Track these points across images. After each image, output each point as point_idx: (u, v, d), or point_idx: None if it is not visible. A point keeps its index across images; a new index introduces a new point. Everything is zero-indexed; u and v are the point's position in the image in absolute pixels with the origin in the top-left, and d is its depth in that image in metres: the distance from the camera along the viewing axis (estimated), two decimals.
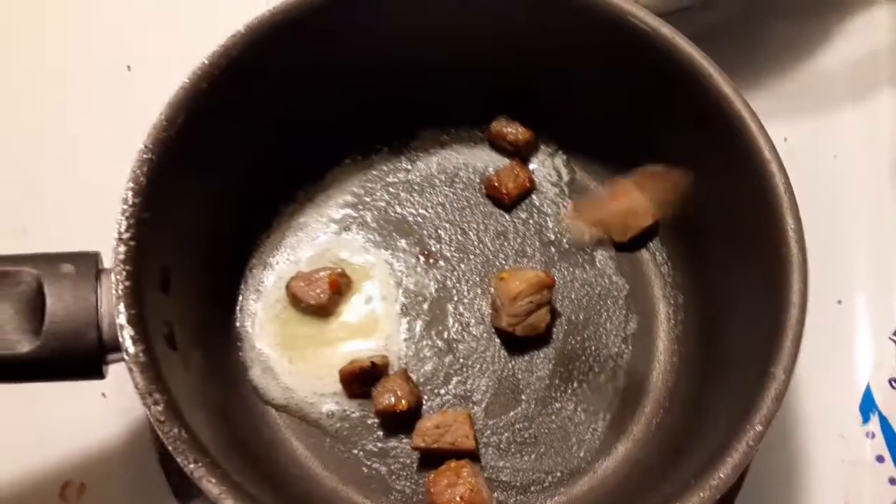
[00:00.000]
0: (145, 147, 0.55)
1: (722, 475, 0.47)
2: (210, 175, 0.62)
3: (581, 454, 0.66)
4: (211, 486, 0.46)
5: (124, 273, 0.51)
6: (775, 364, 0.50)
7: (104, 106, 0.83)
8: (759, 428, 0.49)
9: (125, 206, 0.52)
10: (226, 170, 0.65)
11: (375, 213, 0.75)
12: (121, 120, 0.78)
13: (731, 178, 0.61)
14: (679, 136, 0.67)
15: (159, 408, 0.48)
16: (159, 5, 0.91)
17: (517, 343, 0.69)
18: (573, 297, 0.72)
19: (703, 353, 0.66)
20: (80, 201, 0.77)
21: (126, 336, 0.49)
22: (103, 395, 0.69)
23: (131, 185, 0.53)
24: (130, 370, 0.48)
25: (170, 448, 0.47)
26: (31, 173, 0.80)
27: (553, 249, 0.74)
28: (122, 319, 0.49)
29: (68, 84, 0.86)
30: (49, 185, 0.80)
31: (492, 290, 0.70)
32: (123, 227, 0.52)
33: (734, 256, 0.63)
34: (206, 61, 0.58)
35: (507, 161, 0.77)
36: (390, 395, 0.65)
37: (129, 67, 0.86)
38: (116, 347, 0.51)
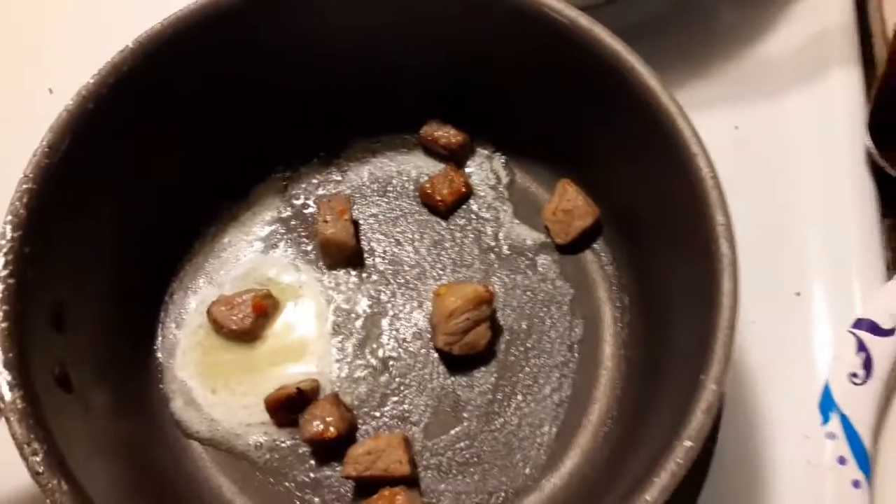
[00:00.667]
0: (25, 176, 0.51)
1: (649, 498, 0.43)
2: (107, 200, 0.58)
3: (527, 471, 0.62)
4: None
5: (1, 314, 0.47)
6: (705, 372, 0.46)
7: (25, 130, 0.79)
8: (687, 444, 0.45)
9: (2, 242, 0.49)
10: (127, 194, 0.61)
11: (304, 228, 0.71)
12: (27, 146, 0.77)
13: (662, 174, 0.57)
14: (610, 133, 0.63)
15: (37, 458, 0.44)
16: (81, 25, 0.87)
17: (457, 358, 0.65)
18: (515, 304, 0.68)
19: (648, 359, 0.62)
20: None
21: (2, 381, 0.45)
22: None
23: (10, 217, 0.50)
24: (7, 419, 0.45)
25: (48, 502, 0.43)
26: None
27: (493, 256, 0.70)
28: None
29: None
30: None
31: (420, 309, 0.66)
32: (0, 264, 0.48)
33: (671, 255, 0.59)
34: (92, 80, 0.54)
35: (441, 167, 0.73)
36: (318, 423, 0.61)
37: (50, 91, 0.82)
38: None
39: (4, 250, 0.48)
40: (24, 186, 0.50)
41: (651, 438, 0.54)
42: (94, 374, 0.56)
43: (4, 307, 0.47)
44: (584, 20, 0.57)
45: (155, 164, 0.63)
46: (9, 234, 0.49)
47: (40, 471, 0.43)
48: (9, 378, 0.45)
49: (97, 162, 0.55)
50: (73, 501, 0.44)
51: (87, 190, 0.55)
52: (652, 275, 0.63)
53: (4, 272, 0.48)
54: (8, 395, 0.45)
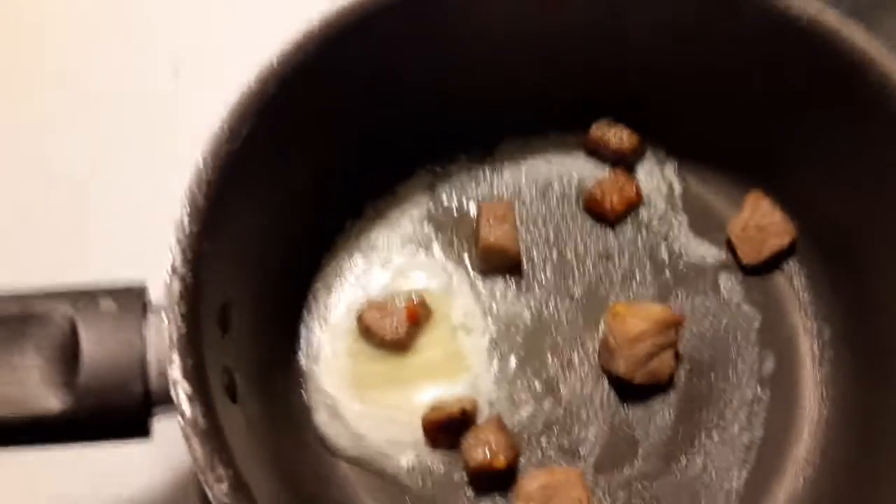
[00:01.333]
0: (205, 162, 0.45)
1: None
2: (274, 193, 0.52)
3: None
4: None
5: (179, 315, 0.41)
6: None
7: (148, 116, 0.73)
8: None
9: (181, 235, 0.43)
10: (291, 185, 0.55)
11: (456, 230, 0.65)
12: (167, 132, 0.71)
13: None
14: (827, 137, 0.55)
15: (223, 486, 0.38)
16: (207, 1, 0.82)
17: (633, 388, 0.58)
18: (695, 330, 0.61)
19: (865, 402, 0.55)
20: (122, 225, 0.67)
21: (181, 394, 0.39)
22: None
23: (188, 208, 0.44)
24: (187, 438, 0.39)
25: None
26: (66, 193, 0.70)
27: (668, 273, 0.63)
28: (176, 373, 0.40)
29: (106, 92, 0.75)
30: (86, 206, 0.69)
31: (602, 326, 0.59)
32: (179, 261, 0.42)
33: None
34: (276, 61, 0.48)
35: (606, 171, 0.66)
36: (485, 449, 0.54)
37: (176, 72, 0.77)
38: (166, 401, 0.41)
39: (183, 244, 0.42)
40: (203, 174, 0.44)
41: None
42: (250, 381, 0.50)
43: (183, 307, 0.41)
44: (830, 15, 0.50)
45: (312, 155, 0.57)
46: (187, 227, 0.43)
47: (228, 502, 0.37)
48: (188, 390, 0.39)
49: (270, 150, 0.50)
50: None
51: (257, 180, 0.49)
52: (867, 306, 0.55)
53: (183, 269, 0.42)
54: (188, 411, 0.39)
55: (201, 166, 0.44)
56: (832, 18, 0.51)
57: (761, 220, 0.61)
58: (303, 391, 0.59)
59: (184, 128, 0.49)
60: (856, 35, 0.50)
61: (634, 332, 0.56)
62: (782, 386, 0.58)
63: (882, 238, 0.54)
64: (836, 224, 0.58)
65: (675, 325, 0.56)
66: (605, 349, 0.58)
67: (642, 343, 0.56)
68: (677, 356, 0.58)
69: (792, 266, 0.62)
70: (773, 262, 0.62)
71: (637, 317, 0.56)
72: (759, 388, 0.59)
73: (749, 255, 0.61)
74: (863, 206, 0.55)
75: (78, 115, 0.73)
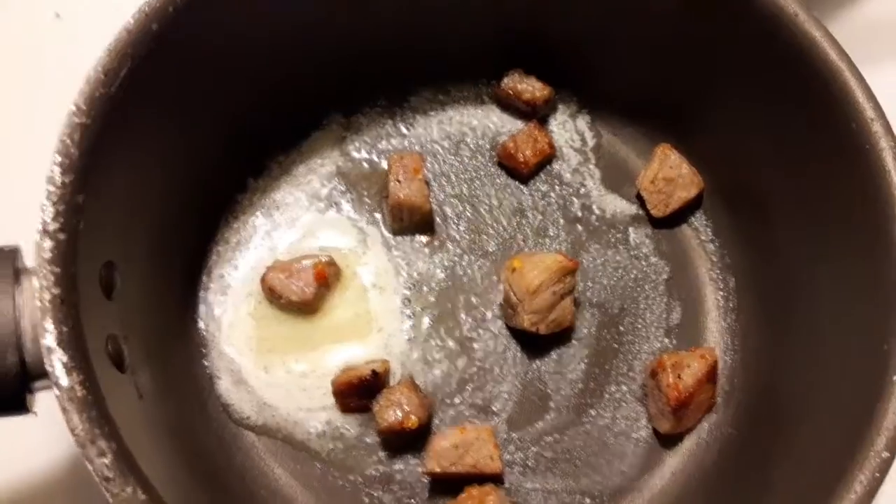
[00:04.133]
0: (77, 108, 0.41)
1: None
2: (160, 141, 0.48)
3: (622, 469, 0.56)
4: None
5: (52, 277, 0.38)
6: None
7: (28, 62, 0.68)
8: (885, 455, 0.39)
9: (52, 188, 0.39)
10: (180, 134, 0.51)
11: (366, 186, 0.62)
12: (48, 79, 0.65)
13: (814, 141, 0.50)
14: (741, 90, 0.56)
15: (105, 460, 0.35)
16: None
17: (541, 340, 0.58)
18: (606, 283, 0.61)
19: (768, 347, 0.56)
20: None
21: (57, 363, 0.36)
22: (34, 413, 0.55)
23: (60, 158, 0.40)
24: (64, 409, 0.36)
25: None
26: None
27: (580, 227, 0.62)
28: (49, 340, 0.36)
29: None
30: None
31: (502, 283, 0.58)
32: (50, 216, 0.38)
33: (814, 237, 0.52)
34: None
35: (519, 123, 0.65)
36: (396, 410, 0.53)
37: (57, 15, 0.71)
38: (44, 373, 0.38)
39: (54, 198, 0.39)
40: (76, 120, 0.40)
41: (795, 443, 0.48)
42: (140, 347, 0.46)
43: (55, 269, 0.38)
44: None
45: (208, 103, 0.53)
46: (58, 179, 0.39)
47: (110, 476, 0.35)
48: (64, 358, 0.36)
49: (155, 94, 0.46)
50: None
51: (141, 127, 0.46)
52: (776, 256, 0.56)
53: (54, 225, 0.38)
54: (65, 380, 0.36)
55: (73, 111, 0.40)
56: None
57: (669, 173, 0.61)
58: (205, 359, 0.56)
59: (66, 75, 0.44)
60: None
61: (533, 284, 0.55)
62: (689, 335, 0.59)
63: (786, 190, 0.55)
64: (743, 177, 0.59)
65: (571, 270, 0.56)
66: (508, 305, 0.57)
67: (542, 294, 0.55)
68: (577, 301, 0.58)
69: (699, 218, 0.62)
70: (681, 215, 0.62)
71: (535, 269, 0.55)
72: (666, 339, 0.59)
73: (658, 208, 0.62)
74: (769, 160, 0.55)
75: None
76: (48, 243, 0.38)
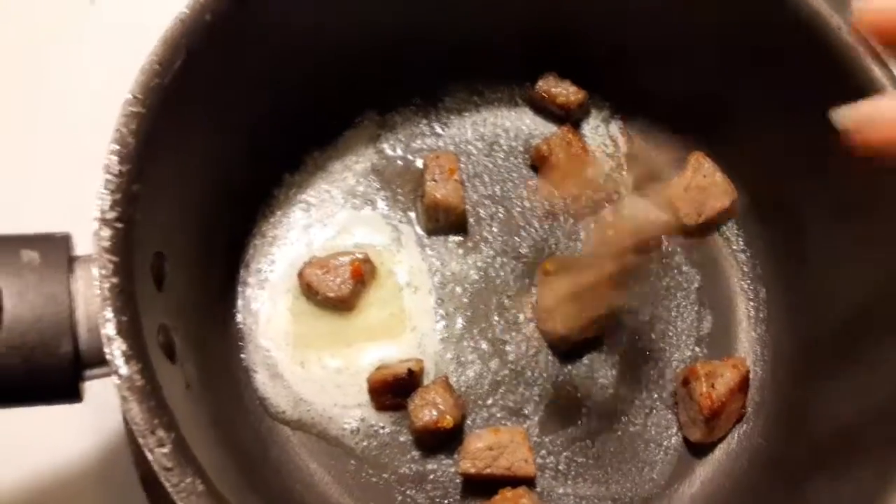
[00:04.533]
0: (134, 97, 0.41)
1: None
2: (205, 133, 0.48)
3: (653, 477, 0.56)
4: None
5: (111, 266, 0.37)
6: None
7: (65, 49, 0.67)
8: None
9: (109, 177, 0.39)
10: (223, 127, 0.51)
11: (400, 184, 0.63)
12: (86, 66, 0.65)
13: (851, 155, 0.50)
14: (778, 100, 0.56)
15: (165, 450, 0.35)
16: None
17: (575, 345, 0.58)
18: (637, 289, 0.61)
19: (799, 357, 0.56)
20: (42, 169, 0.60)
21: (116, 352, 0.36)
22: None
23: (116, 147, 0.40)
24: (124, 399, 0.36)
25: None
26: None
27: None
28: (110, 329, 0.36)
29: (19, 25, 0.69)
30: (3, 149, 0.63)
31: (534, 287, 0.58)
32: (108, 205, 0.38)
33: (847, 250, 0.53)
34: None
35: (552, 127, 0.65)
36: (431, 410, 0.53)
37: (91, 1, 0.71)
38: (98, 361, 0.38)
39: (112, 187, 0.39)
40: (132, 109, 0.40)
41: (827, 461, 0.48)
42: (186, 340, 0.46)
43: (114, 258, 0.38)
44: None
45: (251, 97, 0.53)
46: (116, 168, 0.39)
47: (170, 466, 0.35)
48: (124, 347, 0.36)
49: (204, 86, 0.46)
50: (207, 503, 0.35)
51: (190, 118, 0.45)
52: (807, 268, 0.57)
53: (112, 214, 0.38)
54: (125, 369, 0.36)
55: (129, 100, 0.40)
56: None
57: (702, 181, 0.61)
58: (242, 353, 0.56)
59: (100, 62, 0.44)
60: (817, 2, 0.50)
61: (564, 290, 0.55)
62: (719, 345, 0.60)
63: (819, 203, 0.56)
64: (777, 188, 0.59)
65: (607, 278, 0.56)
66: (542, 309, 0.57)
67: (575, 302, 0.55)
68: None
69: (731, 228, 0.63)
70: (714, 224, 0.63)
71: (567, 272, 0.56)
72: (696, 347, 0.60)
73: (690, 216, 0.62)
74: (804, 172, 0.56)
75: None
76: (107, 232, 0.38)
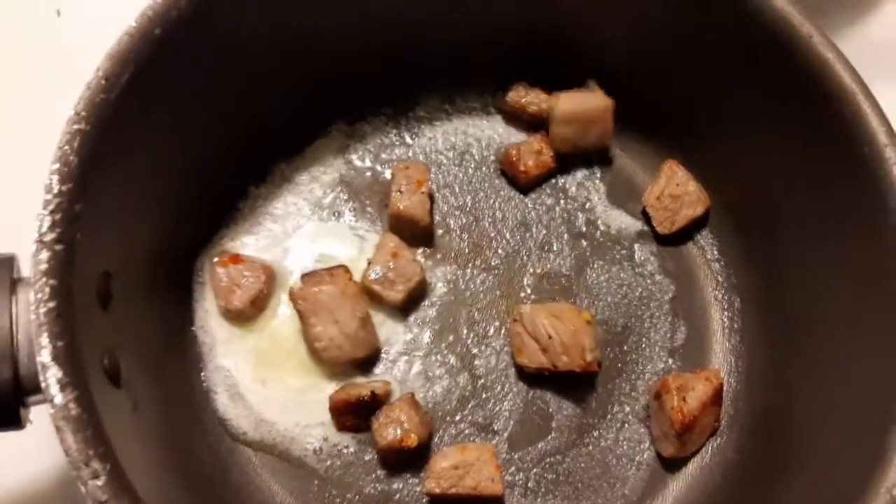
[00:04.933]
0: (77, 114, 0.40)
1: None
2: (161, 148, 0.47)
3: (625, 492, 0.55)
4: None
5: (48, 290, 0.36)
6: None
7: (27, 62, 0.66)
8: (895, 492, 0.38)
9: (49, 197, 0.38)
10: (181, 140, 0.50)
11: (369, 195, 0.61)
12: (48, 79, 0.64)
13: (824, 163, 0.49)
14: (751, 109, 0.55)
15: (99, 482, 0.34)
16: None
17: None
18: (609, 300, 0.60)
19: (774, 369, 0.55)
20: None
21: (51, 379, 0.35)
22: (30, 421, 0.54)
23: (57, 166, 0.38)
24: (58, 429, 0.34)
25: None
26: None
27: (584, 242, 0.61)
28: (45, 356, 0.35)
29: None
30: None
31: (508, 324, 0.57)
32: (46, 226, 0.37)
33: (822, 258, 0.51)
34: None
35: (525, 136, 0.64)
36: (396, 428, 0.52)
37: (58, 12, 0.69)
38: (40, 387, 0.37)
39: (51, 207, 0.37)
40: (75, 127, 0.39)
41: (801, 468, 0.47)
42: (136, 360, 0.45)
43: (51, 281, 0.36)
44: None
45: (210, 109, 0.52)
46: (56, 188, 0.38)
47: (104, 499, 0.33)
48: (59, 374, 0.35)
49: (156, 100, 0.44)
50: None
51: (142, 133, 0.44)
52: (781, 278, 0.56)
53: (51, 236, 0.37)
54: (59, 398, 0.34)
55: (72, 118, 0.39)
56: None
57: (676, 190, 0.60)
58: (201, 372, 0.55)
59: (66, 75, 0.43)
60: (778, 2, 0.49)
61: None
62: (693, 356, 0.59)
63: (794, 211, 0.54)
64: (751, 196, 0.58)
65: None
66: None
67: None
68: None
69: (705, 237, 0.62)
70: (687, 233, 0.61)
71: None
72: (670, 359, 0.58)
73: (663, 225, 0.61)
74: (778, 180, 0.55)
75: None
76: (45, 254, 0.37)
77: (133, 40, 0.42)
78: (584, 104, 0.60)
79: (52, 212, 0.37)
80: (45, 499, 0.53)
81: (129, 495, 0.34)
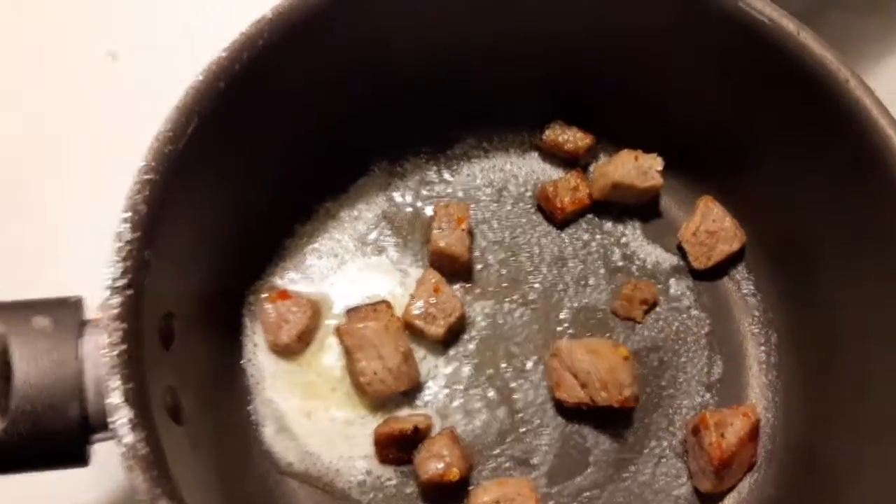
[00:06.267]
0: (147, 165, 0.42)
1: None
2: (216, 193, 0.49)
3: None
4: None
5: (119, 333, 0.38)
6: None
7: (82, 105, 0.68)
8: None
9: (121, 244, 0.40)
10: (234, 185, 0.52)
11: (410, 231, 0.63)
12: (104, 124, 0.66)
13: (859, 201, 0.50)
14: (786, 146, 0.56)
15: None
16: None
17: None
18: (646, 334, 0.61)
19: (811, 404, 0.56)
20: (54, 231, 0.61)
21: (122, 420, 0.37)
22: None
23: (129, 214, 0.41)
24: (128, 469, 0.36)
25: None
26: None
27: (621, 277, 0.63)
28: (116, 397, 0.37)
29: (35, 78, 0.69)
30: (12, 209, 0.64)
31: (546, 359, 0.58)
32: (118, 272, 0.39)
33: (858, 294, 0.52)
34: (225, 54, 0.45)
35: (561, 172, 0.65)
36: (437, 462, 0.53)
37: (113, 57, 0.71)
38: (105, 424, 0.39)
39: (123, 254, 0.39)
40: (146, 177, 0.41)
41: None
42: (197, 399, 0.47)
43: (122, 325, 0.38)
44: (789, 23, 0.50)
45: (262, 153, 0.54)
46: (128, 235, 0.40)
47: None
48: (130, 415, 0.37)
49: (216, 149, 0.47)
50: None
51: (205, 182, 0.47)
52: (818, 313, 0.56)
53: (122, 282, 0.39)
54: (129, 438, 0.36)
55: (142, 168, 0.41)
56: (791, 24, 0.51)
57: (712, 226, 0.61)
58: (249, 406, 0.56)
59: (121, 119, 0.45)
60: (815, 47, 0.50)
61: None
62: (730, 391, 0.59)
63: (829, 246, 0.55)
64: (785, 231, 0.59)
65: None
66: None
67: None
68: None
69: (741, 272, 0.63)
70: (723, 268, 0.62)
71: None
72: (707, 394, 0.59)
73: (699, 260, 0.62)
74: (813, 215, 0.56)
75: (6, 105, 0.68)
76: (116, 299, 0.39)
77: (199, 94, 0.44)
78: (637, 181, 0.61)
79: (123, 258, 0.40)
80: None
81: None
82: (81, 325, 0.41)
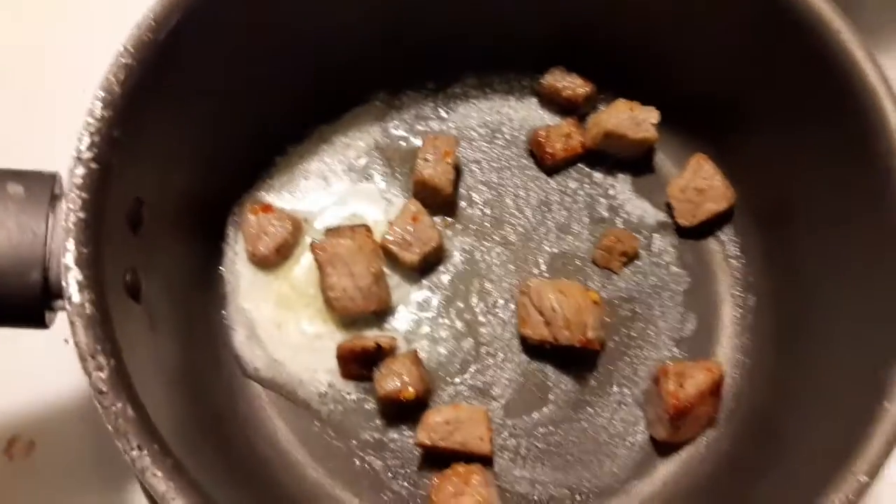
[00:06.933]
0: (125, 49, 0.44)
1: None
2: (204, 93, 0.51)
3: (613, 470, 0.56)
4: (155, 480, 0.37)
5: (80, 201, 0.40)
6: (891, 398, 0.39)
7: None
8: (862, 479, 0.38)
9: (90, 120, 0.42)
10: (223, 92, 0.54)
11: (400, 163, 0.64)
12: (99, 12, 0.67)
13: (851, 172, 0.49)
14: (784, 111, 0.55)
15: (102, 374, 0.38)
16: None
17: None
18: (622, 286, 0.61)
19: (779, 369, 0.55)
20: (41, 109, 0.65)
21: (71, 280, 0.39)
22: (65, 341, 0.59)
23: (101, 93, 0.43)
24: (72, 324, 0.38)
25: (109, 427, 0.37)
26: None
27: (603, 228, 0.62)
28: (68, 259, 0.39)
29: None
30: (16, 90, 0.67)
31: (520, 297, 0.58)
32: (85, 145, 0.41)
33: (840, 265, 0.51)
34: None
35: (558, 119, 0.65)
36: (395, 380, 0.55)
37: None
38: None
39: (92, 129, 0.42)
40: (122, 61, 0.43)
41: (788, 461, 0.47)
42: (162, 285, 0.49)
43: (84, 195, 0.40)
44: None
45: (255, 65, 0.55)
46: (98, 113, 0.42)
47: (104, 389, 0.37)
48: (79, 277, 0.39)
49: (203, 48, 0.48)
50: (136, 429, 0.37)
51: (187, 78, 0.48)
52: (799, 281, 0.55)
53: (88, 154, 0.41)
54: (76, 297, 0.39)
55: (120, 52, 0.43)
56: None
57: (701, 183, 0.61)
58: (224, 310, 0.59)
59: (116, 9, 0.47)
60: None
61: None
62: (700, 348, 0.59)
63: (818, 216, 0.54)
64: (777, 197, 0.58)
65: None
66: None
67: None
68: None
69: (728, 233, 0.62)
70: (710, 228, 0.62)
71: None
72: (676, 348, 0.59)
73: (685, 217, 0.61)
74: (805, 183, 0.55)
75: None
76: (80, 170, 0.41)
77: None
78: (630, 132, 0.61)
79: (91, 133, 0.42)
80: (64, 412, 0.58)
81: (128, 391, 0.38)
82: (54, 198, 0.43)
